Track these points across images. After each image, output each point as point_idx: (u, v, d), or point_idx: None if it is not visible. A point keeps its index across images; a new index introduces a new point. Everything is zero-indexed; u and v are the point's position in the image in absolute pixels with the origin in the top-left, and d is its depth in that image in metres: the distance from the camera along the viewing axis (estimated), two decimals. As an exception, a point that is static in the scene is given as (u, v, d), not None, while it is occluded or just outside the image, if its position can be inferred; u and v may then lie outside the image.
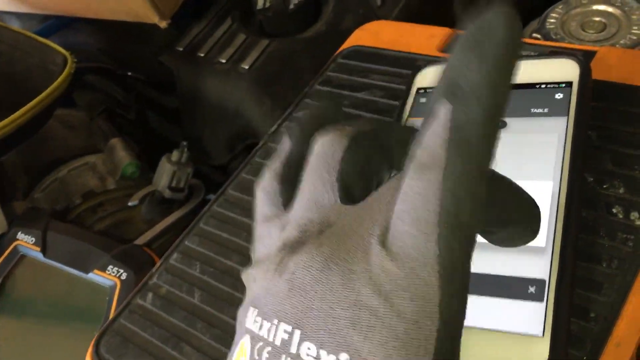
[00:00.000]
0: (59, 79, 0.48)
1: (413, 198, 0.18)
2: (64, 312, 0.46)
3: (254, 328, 0.19)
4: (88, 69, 0.64)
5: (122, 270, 0.43)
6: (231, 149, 0.60)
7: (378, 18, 0.62)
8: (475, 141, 0.17)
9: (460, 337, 0.18)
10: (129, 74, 0.66)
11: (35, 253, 0.47)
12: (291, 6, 0.60)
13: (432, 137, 0.18)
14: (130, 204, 0.51)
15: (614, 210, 0.31)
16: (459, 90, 0.17)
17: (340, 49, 0.48)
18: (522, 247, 0.29)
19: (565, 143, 0.32)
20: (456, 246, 0.17)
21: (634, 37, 0.41)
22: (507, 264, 0.29)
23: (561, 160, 0.31)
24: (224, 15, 0.64)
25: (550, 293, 0.27)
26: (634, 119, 0.33)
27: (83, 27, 0.67)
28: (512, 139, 0.33)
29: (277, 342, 0.18)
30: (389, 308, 0.17)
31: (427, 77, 0.38)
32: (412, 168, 0.18)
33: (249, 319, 0.20)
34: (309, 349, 0.18)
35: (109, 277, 0.43)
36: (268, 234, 0.22)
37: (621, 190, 0.31)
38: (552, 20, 0.45)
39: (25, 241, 0.48)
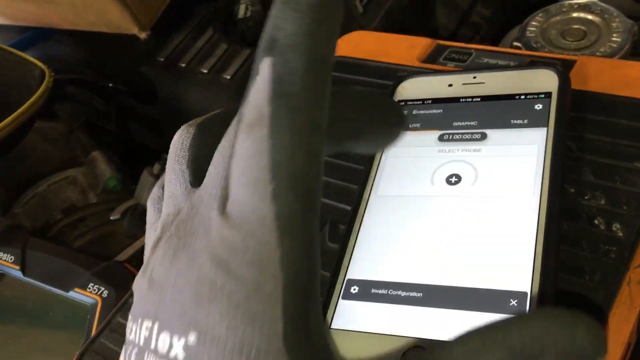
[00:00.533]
0: (37, 94, 0.47)
1: (244, 159, 0.17)
2: (44, 331, 0.46)
3: (128, 335, 0.20)
4: (69, 80, 0.63)
5: (103, 288, 0.42)
6: (214, 160, 0.60)
7: (360, 26, 0.62)
8: (299, 91, 0.17)
9: (316, 298, 0.17)
10: (110, 85, 0.65)
11: (15, 272, 0.46)
12: (272, 15, 0.59)
13: (256, 94, 0.17)
14: (112, 218, 0.51)
15: (596, 222, 0.31)
16: (277, 43, 0.17)
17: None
18: (502, 259, 0.29)
19: (545, 154, 0.32)
20: (294, 199, 0.17)
21: (614, 45, 0.41)
22: (487, 276, 0.29)
23: (541, 172, 0.31)
24: (205, 25, 0.63)
25: (532, 306, 0.27)
26: (613, 129, 0.33)
27: (63, 39, 0.66)
28: (492, 151, 0.33)
29: (141, 342, 0.18)
30: (227, 276, 0.17)
31: (408, 89, 0.38)
32: (241, 129, 0.17)
33: (128, 330, 0.20)
34: (164, 339, 0.17)
35: (90, 295, 0.42)
36: (149, 240, 0.22)
37: (602, 202, 0.31)
38: (532, 29, 0.45)
39: (4, 260, 0.47)
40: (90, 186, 0.56)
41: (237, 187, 0.17)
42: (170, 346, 0.17)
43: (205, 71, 0.59)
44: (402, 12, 0.67)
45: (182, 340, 0.17)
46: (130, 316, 0.20)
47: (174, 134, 0.23)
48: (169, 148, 0.67)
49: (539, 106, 0.34)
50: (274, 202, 0.16)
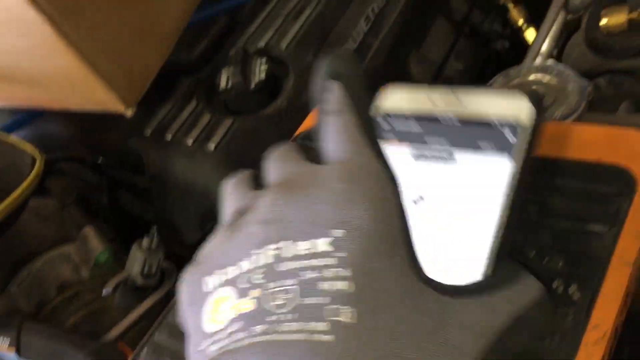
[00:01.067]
0: (28, 179, 0.49)
1: (337, 128, 0.27)
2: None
3: (225, 277, 0.24)
4: (60, 158, 0.66)
5: (96, 368, 0.44)
6: (202, 228, 0.61)
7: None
8: (359, 94, 0.28)
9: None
10: (100, 160, 0.67)
11: (11, 356, 0.48)
12: (252, 85, 0.62)
13: (334, 95, 0.28)
14: (104, 293, 0.52)
15: (555, 285, 0.32)
16: (340, 75, 0.28)
17: (299, 130, 0.50)
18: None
19: (509, 181, 0.32)
20: (377, 145, 0.27)
21: (570, 107, 0.44)
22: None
23: (502, 198, 0.31)
24: (189, 97, 0.66)
25: None
26: (570, 192, 0.35)
27: (52, 117, 0.69)
28: (459, 172, 0.33)
29: (269, 260, 0.23)
30: (357, 184, 0.25)
31: (388, 100, 0.37)
32: (327, 117, 0.27)
33: (210, 282, 0.24)
34: (303, 245, 0.23)
35: (83, 376, 0.43)
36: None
37: (560, 264, 0.33)
38: (493, 93, 0.47)
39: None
40: (82, 261, 0.57)
41: (336, 144, 0.26)
42: (314, 245, 0.23)
43: (190, 142, 0.61)
44: (378, 71, 0.70)
45: (327, 239, 0.23)
46: (213, 274, 0.24)
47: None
48: (158, 216, 0.68)
49: (509, 133, 0.34)
50: (368, 146, 0.27)
